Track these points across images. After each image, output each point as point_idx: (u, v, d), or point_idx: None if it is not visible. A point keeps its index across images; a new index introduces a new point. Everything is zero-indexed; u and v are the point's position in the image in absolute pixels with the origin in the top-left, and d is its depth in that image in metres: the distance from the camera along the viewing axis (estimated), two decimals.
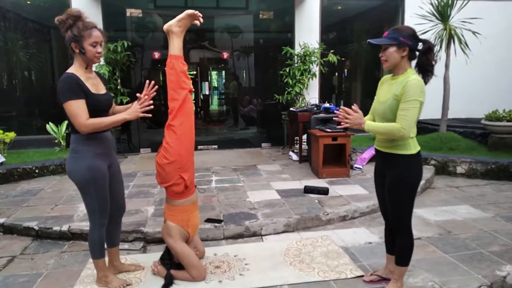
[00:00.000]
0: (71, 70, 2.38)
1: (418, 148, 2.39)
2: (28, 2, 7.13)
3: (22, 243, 3.44)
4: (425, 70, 2.33)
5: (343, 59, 7.93)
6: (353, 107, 2.33)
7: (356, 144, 6.30)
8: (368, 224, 3.75)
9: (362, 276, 2.75)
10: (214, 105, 11.03)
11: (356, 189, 4.53)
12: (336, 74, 8.93)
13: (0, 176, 5.00)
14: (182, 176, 2.63)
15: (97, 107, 2.40)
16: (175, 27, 2.60)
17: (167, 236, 2.69)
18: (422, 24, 6.08)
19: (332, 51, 6.80)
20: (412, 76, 2.29)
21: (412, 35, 2.32)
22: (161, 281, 2.67)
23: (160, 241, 3.29)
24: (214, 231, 3.46)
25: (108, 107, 2.54)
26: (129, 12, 6.76)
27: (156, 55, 7.14)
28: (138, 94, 2.47)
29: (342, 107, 2.37)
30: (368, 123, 2.31)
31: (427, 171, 5.14)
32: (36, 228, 3.53)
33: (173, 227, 2.68)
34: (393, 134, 2.27)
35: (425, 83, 2.34)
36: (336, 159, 5.27)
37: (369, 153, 5.77)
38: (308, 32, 7.13)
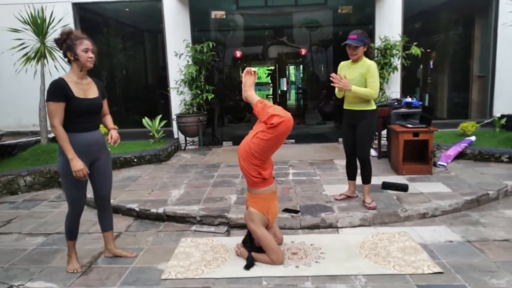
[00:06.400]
0: (65, 75, 2.78)
1: (375, 107, 3.78)
2: (127, 10, 7.96)
3: (126, 221, 3.98)
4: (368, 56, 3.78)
5: (428, 50, 7.56)
6: (343, 77, 3.59)
7: (441, 140, 6.02)
8: (450, 223, 3.64)
9: (441, 273, 2.74)
10: (292, 100, 11.19)
11: (439, 187, 4.39)
12: (421, 66, 8.52)
13: None
14: (260, 172, 2.86)
15: (79, 108, 2.70)
16: (248, 91, 3.03)
17: (249, 221, 2.95)
18: None
19: (415, 43, 6.54)
20: (368, 61, 3.69)
21: (366, 36, 3.69)
22: (243, 262, 2.93)
23: (241, 226, 3.58)
24: (291, 220, 3.65)
25: (92, 110, 2.80)
26: (214, 14, 7.21)
27: (238, 53, 7.51)
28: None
29: (333, 74, 3.63)
30: (354, 87, 3.58)
31: None
32: (137, 209, 4.05)
33: (255, 213, 2.93)
34: (368, 96, 3.63)
35: None
36: (418, 155, 5.12)
37: (455, 150, 5.50)
38: (389, 24, 6.94)
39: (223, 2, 7.62)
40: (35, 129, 6.83)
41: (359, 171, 4.02)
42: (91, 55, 2.77)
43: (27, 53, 5.75)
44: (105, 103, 3.00)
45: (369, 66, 3.65)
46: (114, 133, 2.96)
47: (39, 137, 5.99)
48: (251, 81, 3.05)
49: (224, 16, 7.32)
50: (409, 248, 3.13)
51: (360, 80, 3.65)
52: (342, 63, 3.91)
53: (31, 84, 6.20)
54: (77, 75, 2.78)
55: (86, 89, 2.81)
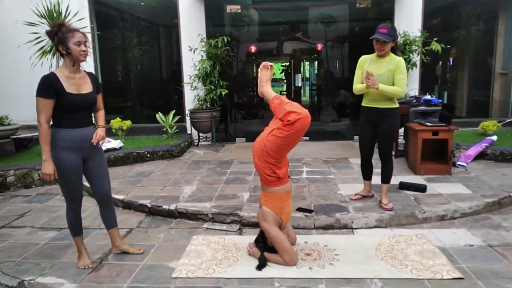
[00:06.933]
0: (56, 69, 2.69)
1: (398, 104, 3.65)
2: (142, 4, 7.94)
3: (138, 217, 3.96)
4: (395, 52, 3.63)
5: (448, 47, 7.33)
6: (371, 73, 3.39)
7: (460, 140, 5.84)
8: (470, 225, 3.51)
9: (461, 278, 2.62)
10: (306, 97, 11.03)
11: (458, 188, 4.24)
12: (440, 63, 8.28)
13: (120, 158, 5.75)
14: (274, 171, 2.78)
15: (70, 104, 2.63)
16: (264, 86, 2.93)
17: (262, 221, 2.88)
18: None
19: (435, 39, 6.35)
20: (396, 56, 3.52)
21: (396, 31, 3.54)
22: (256, 262, 2.87)
23: (254, 224, 3.52)
24: (305, 220, 3.57)
25: (85, 105, 2.72)
26: (229, 8, 7.12)
27: (253, 49, 7.42)
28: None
29: (367, 71, 3.41)
30: (382, 85, 3.40)
31: None
32: (149, 205, 4.03)
33: (268, 213, 2.85)
34: (397, 94, 3.48)
35: None
36: (437, 155, 4.96)
37: (475, 150, 5.32)
38: (408, 19, 6.75)
39: None
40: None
41: (374, 170, 3.92)
42: (84, 48, 2.64)
43: (43, 47, 5.77)
44: (99, 98, 2.88)
45: (399, 62, 3.48)
46: (100, 132, 2.79)
47: None
48: (268, 76, 2.96)
49: (239, 11, 7.23)
50: (427, 252, 3.02)
51: (388, 76, 3.48)
52: (364, 57, 3.71)
53: None
54: (69, 69, 2.67)
55: (80, 84, 2.71)
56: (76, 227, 2.93)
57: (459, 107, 7.94)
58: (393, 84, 3.49)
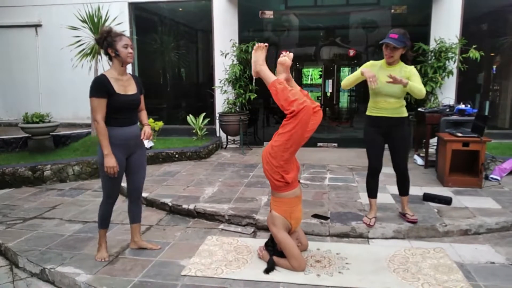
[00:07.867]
0: (106, 71, 2.90)
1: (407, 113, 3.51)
2: (180, 9, 8.21)
3: (158, 215, 4.09)
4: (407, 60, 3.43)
5: (492, 54, 6.99)
6: (394, 75, 3.14)
7: (497, 152, 5.54)
8: (494, 242, 3.33)
9: None
10: (342, 103, 10.89)
11: (487, 202, 4.03)
12: (483, 71, 7.89)
13: (149, 158, 5.95)
14: (282, 175, 2.79)
15: (118, 104, 2.82)
16: (259, 67, 2.84)
17: (271, 225, 2.90)
18: None
19: (474, 46, 6.07)
20: (406, 65, 3.39)
21: (408, 38, 3.33)
22: (264, 265, 2.89)
23: (268, 228, 3.53)
24: (320, 227, 3.54)
25: (131, 106, 2.93)
26: (262, 14, 7.20)
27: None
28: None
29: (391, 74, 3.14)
30: (410, 83, 3.21)
31: None
32: (170, 204, 4.16)
33: (277, 217, 2.87)
34: (420, 92, 3.24)
35: None
36: (468, 167, 4.73)
37: None
38: (446, 25, 6.51)
39: (272, 2, 7.59)
40: (89, 122, 7.29)
41: (394, 179, 3.79)
42: (130, 50, 2.88)
43: (83, 50, 6.13)
44: (141, 99, 3.08)
45: (411, 70, 3.34)
46: (147, 129, 3.02)
47: (90, 129, 6.36)
48: (264, 56, 2.86)
49: (272, 16, 7.28)
50: (443, 266, 2.90)
51: (399, 86, 3.25)
52: (372, 62, 3.50)
53: (88, 78, 6.60)
54: (118, 71, 2.89)
55: (126, 86, 2.92)
56: (106, 220, 3.12)
57: (502, 118, 7.53)
58: (406, 93, 3.36)
